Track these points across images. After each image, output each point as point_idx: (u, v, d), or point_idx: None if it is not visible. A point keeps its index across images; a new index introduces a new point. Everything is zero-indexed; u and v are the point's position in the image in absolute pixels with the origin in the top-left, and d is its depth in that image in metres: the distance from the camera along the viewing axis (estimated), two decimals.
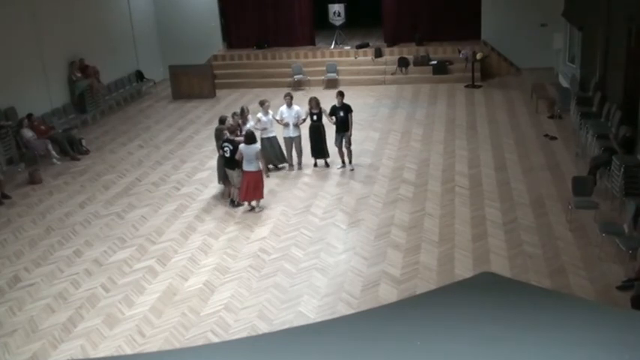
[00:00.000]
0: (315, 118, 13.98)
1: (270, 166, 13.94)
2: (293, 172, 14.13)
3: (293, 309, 9.22)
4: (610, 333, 4.88)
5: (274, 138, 14.08)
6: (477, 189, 12.76)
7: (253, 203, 12.40)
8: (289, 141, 14.11)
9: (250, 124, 13.55)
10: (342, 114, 13.78)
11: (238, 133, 13.03)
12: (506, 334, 4.91)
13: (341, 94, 13.97)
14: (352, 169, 14.03)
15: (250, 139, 12.09)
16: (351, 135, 13.92)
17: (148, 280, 10.23)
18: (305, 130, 14.15)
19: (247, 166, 12.06)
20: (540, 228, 11.06)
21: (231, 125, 13.19)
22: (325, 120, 14.04)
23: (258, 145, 12.22)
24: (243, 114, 13.67)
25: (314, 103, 13.99)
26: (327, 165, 14.32)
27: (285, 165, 14.33)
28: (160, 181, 14.22)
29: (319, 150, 14.23)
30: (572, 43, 19.23)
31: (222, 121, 13.34)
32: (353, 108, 14.04)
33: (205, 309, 9.36)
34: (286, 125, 13.95)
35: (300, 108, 14.20)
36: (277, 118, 14.03)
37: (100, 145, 16.84)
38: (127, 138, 17.37)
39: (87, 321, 9.24)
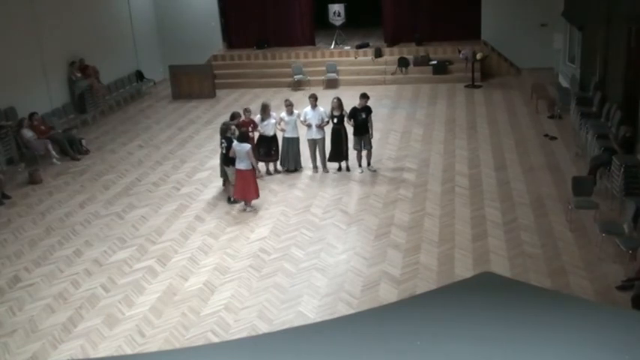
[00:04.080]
0: (335, 120, 13.60)
1: (269, 168, 13.99)
2: (317, 175, 13.87)
3: (293, 309, 9.22)
4: (610, 333, 4.89)
5: (294, 140, 13.85)
6: (477, 189, 12.76)
7: (244, 202, 12.46)
8: (312, 143, 13.82)
9: (272, 122, 13.62)
10: (363, 116, 13.40)
11: (250, 129, 13.14)
12: (506, 334, 4.92)
13: (366, 97, 13.52)
14: (375, 170, 13.80)
15: (243, 138, 12.16)
16: (372, 136, 13.67)
17: (147, 280, 10.23)
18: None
19: (238, 164, 12.14)
20: (540, 228, 11.06)
21: (242, 121, 13.24)
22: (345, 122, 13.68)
23: (248, 145, 12.21)
24: (265, 110, 13.65)
25: (336, 104, 13.61)
26: (348, 169, 13.94)
27: (300, 169, 14.08)
28: (160, 181, 14.22)
29: (339, 153, 13.81)
30: (572, 43, 19.23)
31: (233, 117, 13.30)
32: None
33: (205, 309, 9.36)
34: (309, 127, 13.70)
35: (325, 110, 13.82)
36: (301, 119, 13.78)
37: (100, 145, 16.83)
38: (127, 138, 17.37)
39: (87, 321, 9.24)
